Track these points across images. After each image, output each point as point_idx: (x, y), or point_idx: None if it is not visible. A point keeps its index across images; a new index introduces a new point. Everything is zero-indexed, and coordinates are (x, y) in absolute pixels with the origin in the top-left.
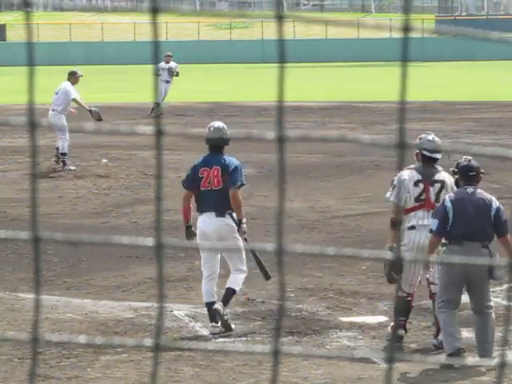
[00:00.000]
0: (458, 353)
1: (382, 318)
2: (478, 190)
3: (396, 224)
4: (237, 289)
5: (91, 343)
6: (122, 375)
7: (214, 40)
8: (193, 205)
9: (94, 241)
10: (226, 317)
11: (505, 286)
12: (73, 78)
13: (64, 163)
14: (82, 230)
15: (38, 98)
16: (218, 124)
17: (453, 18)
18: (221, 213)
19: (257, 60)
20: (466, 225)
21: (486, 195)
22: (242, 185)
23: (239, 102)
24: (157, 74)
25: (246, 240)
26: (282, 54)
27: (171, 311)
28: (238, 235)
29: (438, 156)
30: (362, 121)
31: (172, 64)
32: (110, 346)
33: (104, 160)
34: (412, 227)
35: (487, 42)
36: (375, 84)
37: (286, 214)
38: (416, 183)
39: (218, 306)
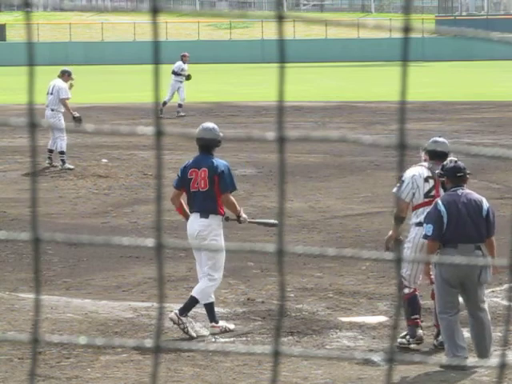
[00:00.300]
0: (460, 362)
1: (382, 318)
2: (468, 191)
3: (399, 220)
4: (199, 299)
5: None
6: (122, 375)
7: (213, 40)
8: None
9: (94, 241)
10: (182, 326)
11: (505, 286)
12: (66, 77)
13: (63, 162)
14: (82, 229)
15: (38, 98)
16: (208, 124)
17: (453, 17)
18: (205, 214)
19: (257, 60)
20: (460, 227)
21: (476, 196)
22: (234, 189)
23: (239, 102)
24: (183, 74)
25: (252, 222)
26: (281, 54)
27: (171, 311)
28: (219, 238)
29: (447, 152)
30: (361, 121)
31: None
32: (110, 346)
33: (104, 160)
34: (419, 223)
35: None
36: (375, 84)
37: (286, 214)
38: (426, 179)
39: (173, 315)
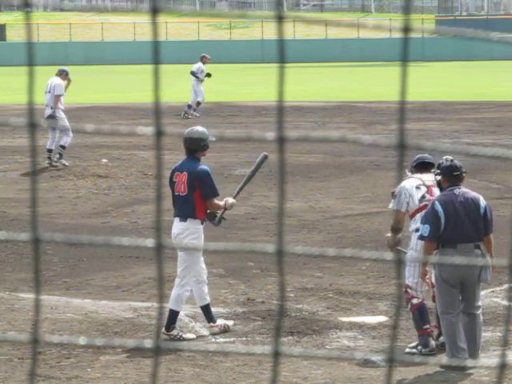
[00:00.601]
0: (460, 362)
1: (382, 318)
2: (464, 190)
3: (396, 230)
4: (177, 309)
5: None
6: (122, 375)
7: (213, 40)
8: None
9: (94, 241)
10: (176, 338)
11: (505, 286)
12: (64, 76)
13: (60, 156)
14: (82, 229)
15: (38, 98)
16: (197, 128)
17: (453, 17)
18: (183, 218)
19: (257, 60)
20: (459, 227)
21: (473, 194)
22: (217, 195)
23: (239, 102)
24: (201, 77)
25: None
26: (281, 54)
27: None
28: (196, 240)
29: (431, 159)
30: (361, 121)
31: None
32: (110, 346)
33: (104, 160)
34: (418, 229)
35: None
36: (375, 84)
37: (286, 214)
38: (418, 186)
39: (163, 335)
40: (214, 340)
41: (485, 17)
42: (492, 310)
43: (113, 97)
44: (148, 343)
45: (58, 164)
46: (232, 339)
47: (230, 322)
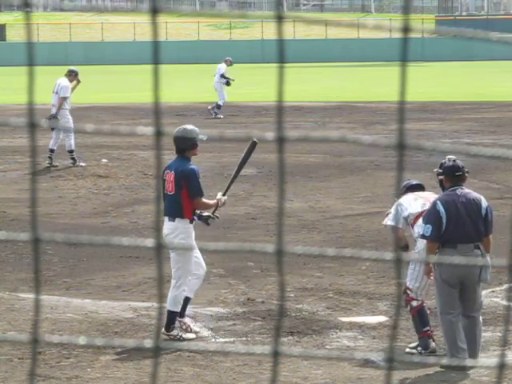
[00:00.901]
0: (460, 362)
1: (382, 318)
2: (466, 190)
3: (402, 248)
4: (174, 309)
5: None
6: (122, 375)
7: (213, 40)
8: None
9: (94, 241)
10: (175, 338)
11: (505, 286)
12: (73, 76)
13: (74, 160)
14: (82, 229)
15: (38, 98)
16: (186, 127)
17: (453, 17)
18: (172, 218)
19: (257, 60)
20: (460, 227)
21: (475, 195)
22: (202, 195)
23: (239, 102)
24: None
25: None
26: (281, 54)
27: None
28: (186, 240)
29: (418, 181)
30: (361, 121)
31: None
32: (110, 346)
33: (104, 160)
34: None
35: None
36: (375, 84)
37: (286, 214)
38: (415, 199)
39: (163, 336)
40: (214, 340)
41: (485, 17)
42: (492, 310)
43: (113, 97)
44: (148, 343)
45: (76, 167)
46: (232, 339)
47: (197, 329)
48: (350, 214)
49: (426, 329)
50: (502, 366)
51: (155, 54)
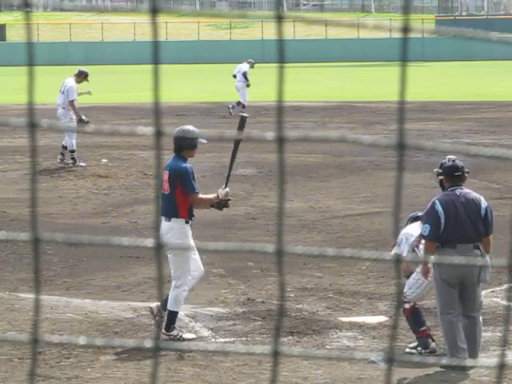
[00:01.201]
0: (460, 362)
1: (382, 318)
2: (466, 190)
3: (406, 276)
4: (175, 309)
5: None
6: (122, 375)
7: (213, 40)
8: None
9: (94, 241)
10: (175, 338)
11: (505, 286)
12: (82, 78)
13: (74, 160)
14: (82, 229)
15: (38, 98)
16: (187, 127)
17: (453, 17)
18: (167, 217)
19: (257, 60)
20: (459, 227)
21: (475, 195)
22: (197, 192)
23: None
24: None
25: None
26: (281, 54)
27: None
28: (182, 240)
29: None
30: (361, 121)
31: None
32: (110, 346)
33: (104, 160)
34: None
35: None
36: (375, 84)
37: (286, 214)
38: (420, 225)
39: (163, 336)
40: (214, 340)
41: (485, 17)
42: (492, 310)
43: (113, 97)
44: (148, 343)
45: (76, 167)
46: (232, 339)
47: (189, 335)
48: (350, 213)
49: (422, 328)
50: (502, 366)
51: (155, 53)
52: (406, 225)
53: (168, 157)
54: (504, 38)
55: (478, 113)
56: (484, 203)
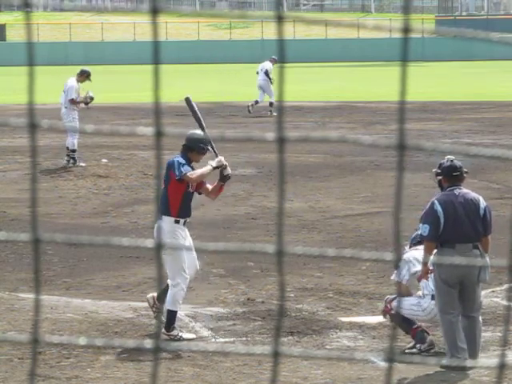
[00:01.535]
0: (460, 363)
1: (382, 318)
2: (465, 190)
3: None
4: (173, 309)
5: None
6: (122, 375)
7: (213, 40)
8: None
9: (94, 242)
10: (176, 338)
11: (505, 286)
12: (84, 77)
13: (74, 160)
14: (82, 229)
15: (38, 99)
16: (194, 131)
17: (453, 18)
18: (160, 215)
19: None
20: (458, 227)
21: (473, 195)
22: (182, 173)
23: (239, 102)
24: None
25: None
26: (282, 53)
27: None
28: (173, 240)
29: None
30: (361, 121)
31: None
32: (110, 346)
33: (104, 160)
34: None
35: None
36: (375, 84)
37: (286, 214)
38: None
39: (163, 336)
40: (214, 340)
41: (485, 17)
42: (492, 310)
43: (113, 97)
44: (148, 343)
45: (76, 166)
46: (232, 339)
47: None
48: (350, 214)
49: (415, 326)
50: (502, 366)
51: (155, 53)
52: (410, 245)
53: (168, 157)
54: (504, 39)
55: (478, 113)
56: (483, 203)
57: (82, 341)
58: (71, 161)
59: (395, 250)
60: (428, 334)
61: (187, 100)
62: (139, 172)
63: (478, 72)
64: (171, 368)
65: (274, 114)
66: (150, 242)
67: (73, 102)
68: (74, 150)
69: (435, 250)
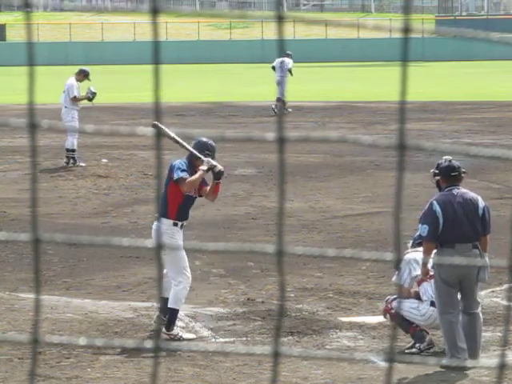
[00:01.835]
0: (460, 363)
1: (382, 318)
2: (463, 190)
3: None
4: (176, 307)
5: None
6: (122, 375)
7: (213, 40)
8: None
9: (94, 242)
10: (176, 338)
11: (505, 286)
12: (82, 76)
13: (74, 160)
14: (82, 229)
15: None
16: (205, 139)
17: (453, 18)
18: (159, 217)
19: (257, 60)
20: (457, 227)
21: (472, 194)
22: (180, 177)
23: (239, 102)
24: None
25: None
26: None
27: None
28: (168, 241)
29: None
30: (361, 121)
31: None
32: (110, 346)
33: (104, 160)
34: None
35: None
36: (375, 84)
37: (286, 214)
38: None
39: (164, 335)
40: (214, 340)
41: (485, 17)
42: (492, 310)
43: (113, 97)
44: (148, 343)
45: (76, 166)
46: (232, 339)
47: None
48: (350, 213)
49: (414, 324)
50: (502, 366)
51: (155, 53)
52: (413, 245)
53: (168, 157)
54: (504, 39)
55: (478, 113)
56: (481, 203)
57: (82, 341)
58: (71, 161)
59: (395, 249)
60: (427, 333)
61: (155, 126)
62: (139, 172)
63: (478, 72)
64: (171, 368)
65: (290, 110)
66: (149, 242)
67: (75, 99)
68: (73, 150)
69: (435, 251)
